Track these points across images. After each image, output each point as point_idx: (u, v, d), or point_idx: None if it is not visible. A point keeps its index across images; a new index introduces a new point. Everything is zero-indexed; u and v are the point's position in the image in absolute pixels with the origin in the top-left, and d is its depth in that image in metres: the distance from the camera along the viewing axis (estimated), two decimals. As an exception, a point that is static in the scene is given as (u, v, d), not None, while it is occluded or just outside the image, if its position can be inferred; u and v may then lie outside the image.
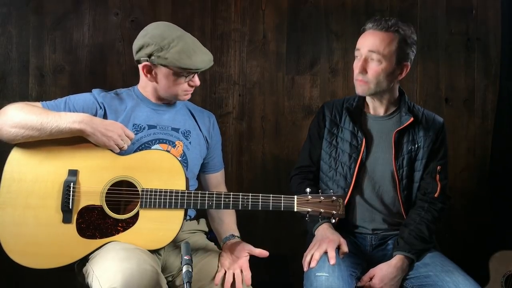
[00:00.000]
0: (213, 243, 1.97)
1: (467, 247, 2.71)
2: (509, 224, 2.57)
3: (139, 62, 1.84)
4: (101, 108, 1.85)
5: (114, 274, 1.52)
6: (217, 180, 2.07)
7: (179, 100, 1.93)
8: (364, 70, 1.88)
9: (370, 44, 1.87)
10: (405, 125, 1.94)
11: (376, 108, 2.01)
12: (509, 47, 2.67)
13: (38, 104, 1.82)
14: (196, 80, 1.87)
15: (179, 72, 1.80)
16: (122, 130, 1.74)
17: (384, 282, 1.81)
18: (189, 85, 1.86)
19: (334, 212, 1.74)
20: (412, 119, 1.94)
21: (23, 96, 2.61)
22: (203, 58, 1.82)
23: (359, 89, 1.93)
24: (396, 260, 1.85)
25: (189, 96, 1.92)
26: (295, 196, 1.74)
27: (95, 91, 1.91)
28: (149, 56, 1.79)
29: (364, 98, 2.02)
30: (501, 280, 2.42)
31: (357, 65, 1.91)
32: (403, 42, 1.87)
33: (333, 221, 1.77)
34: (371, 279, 1.84)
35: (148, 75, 1.85)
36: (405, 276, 1.86)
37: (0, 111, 1.75)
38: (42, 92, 2.64)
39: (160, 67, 1.80)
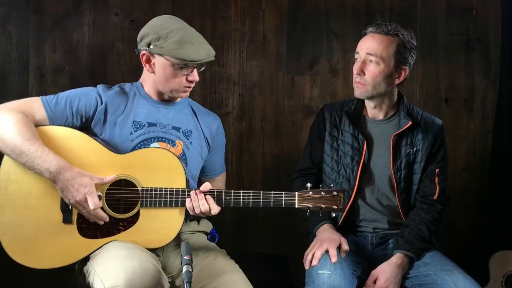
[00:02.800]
0: (213, 243, 1.97)
1: (467, 247, 2.71)
2: (509, 224, 2.57)
3: (140, 52, 1.82)
4: (102, 103, 1.83)
5: (117, 273, 1.52)
6: (215, 185, 2.03)
7: (177, 96, 1.89)
8: (362, 72, 1.91)
9: (368, 47, 1.90)
10: (403, 129, 1.95)
11: (375, 113, 2.02)
12: (509, 47, 2.67)
13: (38, 99, 1.79)
14: (195, 75, 1.83)
15: (176, 64, 1.77)
16: (84, 196, 1.64)
17: (389, 281, 1.81)
18: (187, 80, 1.83)
19: (335, 207, 1.75)
20: (410, 123, 1.95)
21: (23, 96, 2.54)
22: (199, 50, 1.77)
23: (357, 92, 1.95)
24: (396, 258, 1.86)
25: (187, 94, 1.88)
26: (296, 193, 1.74)
27: (100, 87, 1.88)
28: (148, 45, 1.78)
29: (363, 101, 2.03)
30: (501, 280, 2.42)
31: (355, 67, 1.93)
32: (402, 46, 1.89)
33: (334, 215, 1.77)
34: (374, 281, 1.84)
35: (147, 65, 1.83)
36: (405, 275, 1.87)
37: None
38: (42, 92, 2.62)
39: (157, 57, 1.79)
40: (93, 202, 1.64)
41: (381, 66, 1.89)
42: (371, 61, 1.89)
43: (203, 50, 1.79)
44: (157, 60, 1.80)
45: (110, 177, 1.72)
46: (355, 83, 1.95)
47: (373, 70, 1.90)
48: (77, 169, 1.68)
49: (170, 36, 1.75)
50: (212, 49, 1.83)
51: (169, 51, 1.75)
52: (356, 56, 1.95)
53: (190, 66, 1.79)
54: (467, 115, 2.74)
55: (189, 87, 1.86)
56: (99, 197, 1.67)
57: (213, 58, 1.83)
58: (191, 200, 1.72)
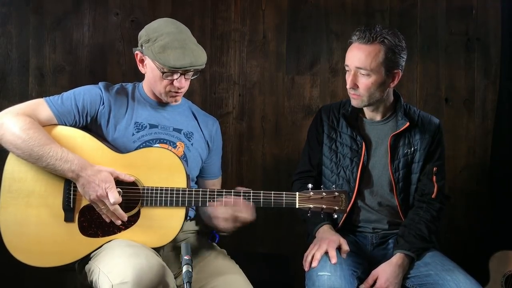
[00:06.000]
0: (213, 243, 1.97)
1: (467, 247, 2.71)
2: (509, 224, 2.57)
3: (134, 51, 1.86)
4: (103, 104, 1.83)
5: (124, 269, 1.52)
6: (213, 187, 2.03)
7: (167, 101, 1.87)
8: (355, 85, 1.90)
9: (356, 61, 1.87)
10: (401, 129, 1.96)
11: (372, 114, 2.02)
12: (509, 47, 2.67)
13: (42, 101, 1.79)
14: (181, 82, 1.80)
15: (160, 68, 1.78)
16: (104, 191, 1.66)
17: (389, 281, 1.81)
18: (173, 85, 1.81)
19: (336, 208, 1.75)
20: (408, 123, 1.95)
21: (23, 96, 2.61)
22: (182, 57, 1.74)
23: (354, 102, 1.96)
24: (397, 258, 1.86)
25: (176, 100, 1.87)
26: (297, 193, 1.74)
27: (102, 84, 1.89)
28: (142, 46, 1.82)
29: None
30: (501, 280, 2.42)
31: (348, 80, 1.92)
32: (390, 51, 1.87)
33: (335, 216, 1.77)
34: (374, 281, 1.84)
35: (140, 65, 1.87)
36: (406, 275, 1.87)
37: (4, 116, 1.71)
38: (42, 92, 2.63)
39: (147, 59, 1.82)
40: (113, 196, 1.66)
41: (372, 78, 1.87)
42: (361, 73, 1.88)
43: (188, 58, 1.75)
44: (148, 62, 1.83)
45: (130, 177, 1.73)
46: (350, 94, 1.94)
47: (365, 82, 1.88)
48: (97, 165, 1.70)
49: (158, 40, 1.76)
50: (203, 58, 1.79)
51: (153, 55, 1.76)
52: (346, 68, 1.93)
53: (175, 72, 1.78)
54: (467, 115, 2.74)
55: (177, 92, 1.84)
56: (119, 192, 1.68)
57: (200, 67, 1.80)
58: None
